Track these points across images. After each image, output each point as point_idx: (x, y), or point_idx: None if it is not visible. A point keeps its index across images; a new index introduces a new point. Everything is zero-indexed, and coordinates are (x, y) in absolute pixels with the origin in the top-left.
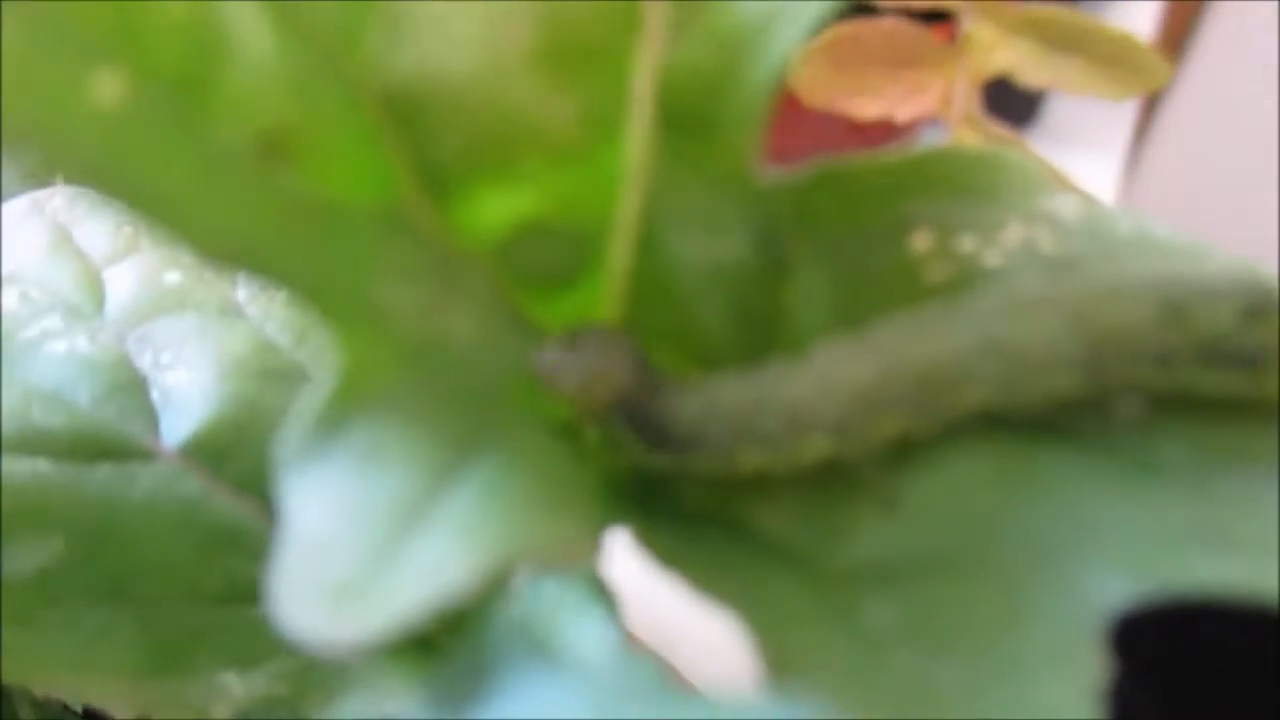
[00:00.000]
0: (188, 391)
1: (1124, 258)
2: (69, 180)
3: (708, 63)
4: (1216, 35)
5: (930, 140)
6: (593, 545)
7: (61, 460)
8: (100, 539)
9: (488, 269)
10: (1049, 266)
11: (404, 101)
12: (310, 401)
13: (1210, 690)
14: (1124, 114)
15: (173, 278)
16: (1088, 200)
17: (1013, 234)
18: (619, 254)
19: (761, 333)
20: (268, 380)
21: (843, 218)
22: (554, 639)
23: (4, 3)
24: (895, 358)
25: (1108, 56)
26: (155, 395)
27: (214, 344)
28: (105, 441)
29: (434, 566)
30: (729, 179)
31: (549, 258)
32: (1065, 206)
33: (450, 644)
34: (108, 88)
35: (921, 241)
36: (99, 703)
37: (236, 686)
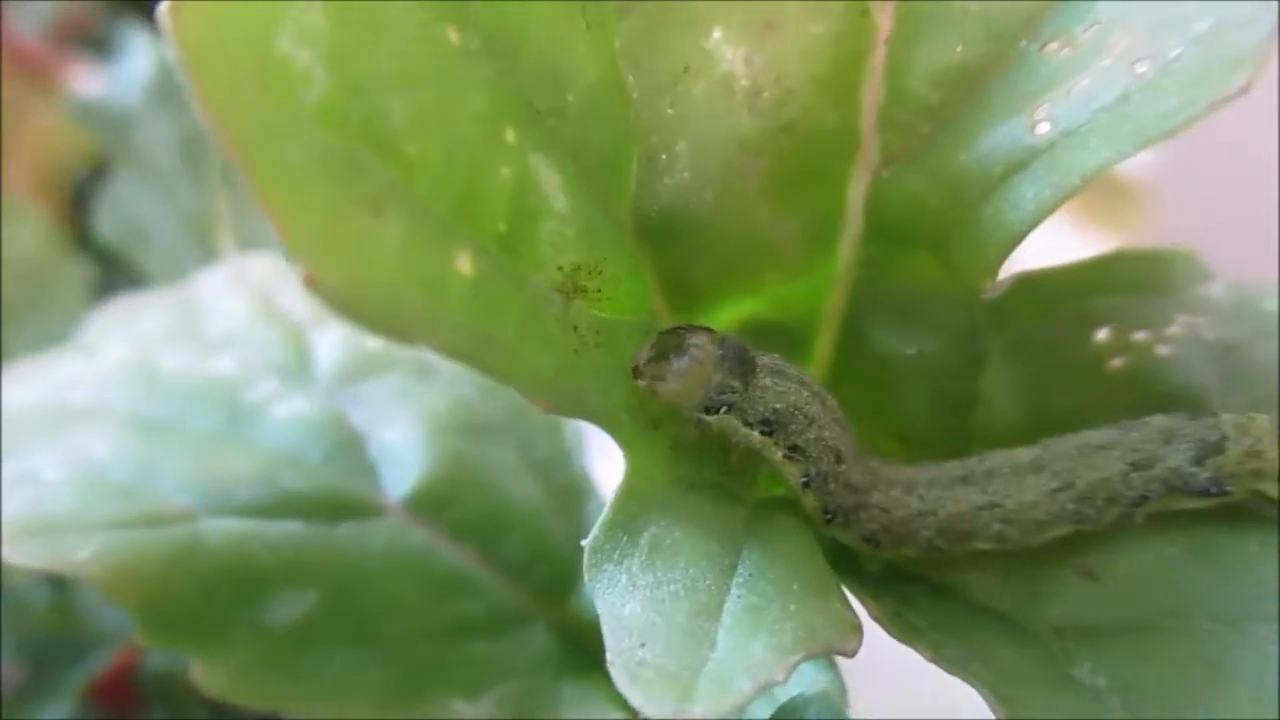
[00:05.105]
0: (402, 449)
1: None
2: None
3: (930, 195)
4: None
5: None
6: (860, 629)
7: (310, 520)
8: (348, 589)
9: None
10: (1212, 353)
11: (659, 231)
12: (608, 507)
13: None
14: None
15: (373, 340)
16: (1235, 284)
17: (1179, 325)
18: (826, 345)
19: (959, 415)
20: (467, 435)
21: (1035, 316)
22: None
23: (386, 199)
24: (1062, 479)
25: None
26: (373, 453)
27: (417, 402)
28: (344, 500)
29: (750, 665)
30: (933, 284)
31: (768, 349)
32: (1217, 291)
33: None
34: (465, 261)
35: (1103, 335)
36: None
37: (466, 711)
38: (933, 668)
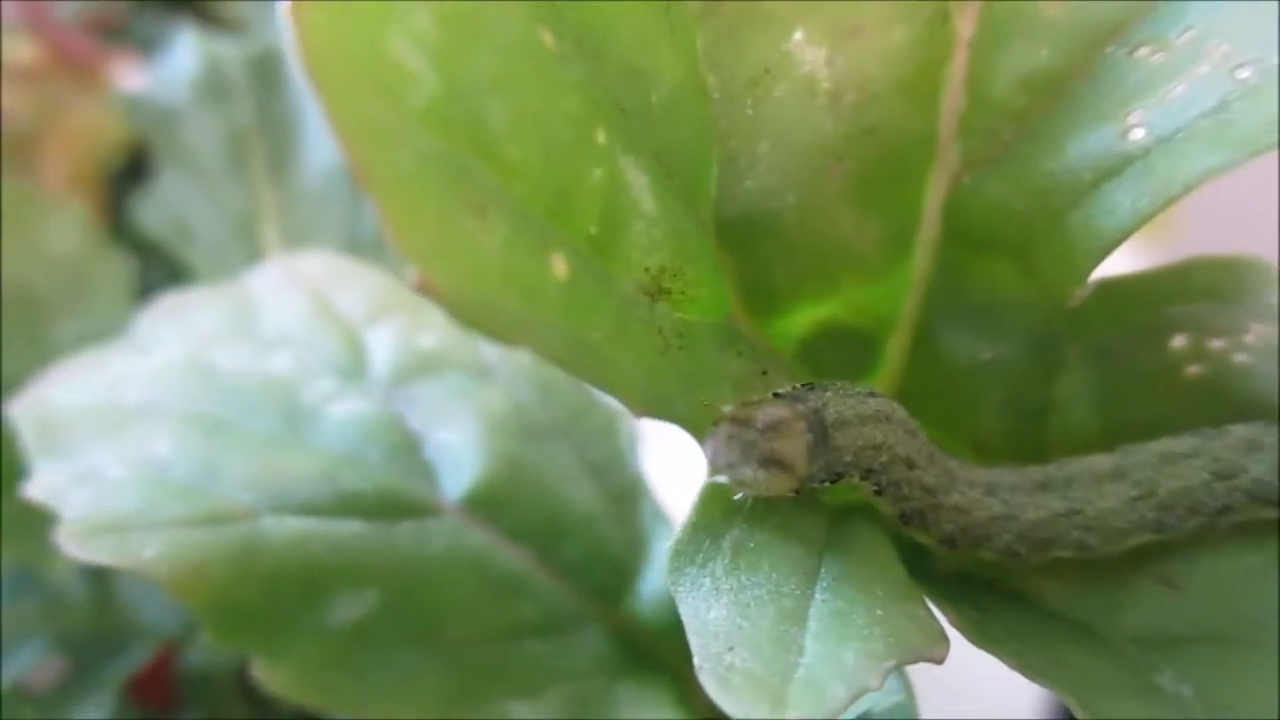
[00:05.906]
0: (458, 450)
1: None
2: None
3: (1013, 201)
4: None
5: None
6: (946, 636)
7: (370, 520)
8: (407, 590)
9: (789, 365)
10: None
11: (738, 234)
12: (690, 510)
13: None
14: None
15: (428, 340)
16: None
17: (1254, 333)
18: (899, 349)
19: (1033, 421)
20: (524, 437)
21: (1112, 322)
22: None
23: (489, 202)
24: (1143, 487)
25: None
26: (429, 453)
27: (473, 403)
28: (402, 500)
29: (843, 671)
30: (1011, 290)
31: (841, 353)
32: None
33: None
34: (559, 263)
35: (1179, 342)
36: None
37: (524, 713)
38: (990, 673)
